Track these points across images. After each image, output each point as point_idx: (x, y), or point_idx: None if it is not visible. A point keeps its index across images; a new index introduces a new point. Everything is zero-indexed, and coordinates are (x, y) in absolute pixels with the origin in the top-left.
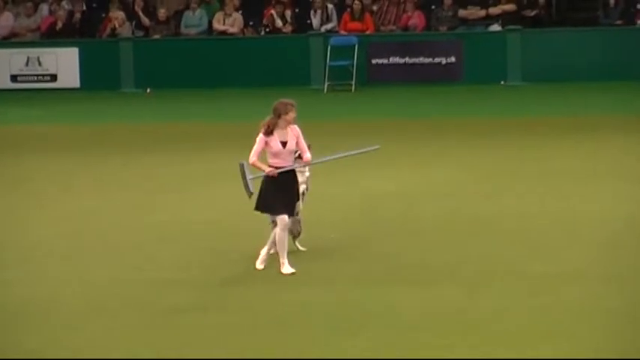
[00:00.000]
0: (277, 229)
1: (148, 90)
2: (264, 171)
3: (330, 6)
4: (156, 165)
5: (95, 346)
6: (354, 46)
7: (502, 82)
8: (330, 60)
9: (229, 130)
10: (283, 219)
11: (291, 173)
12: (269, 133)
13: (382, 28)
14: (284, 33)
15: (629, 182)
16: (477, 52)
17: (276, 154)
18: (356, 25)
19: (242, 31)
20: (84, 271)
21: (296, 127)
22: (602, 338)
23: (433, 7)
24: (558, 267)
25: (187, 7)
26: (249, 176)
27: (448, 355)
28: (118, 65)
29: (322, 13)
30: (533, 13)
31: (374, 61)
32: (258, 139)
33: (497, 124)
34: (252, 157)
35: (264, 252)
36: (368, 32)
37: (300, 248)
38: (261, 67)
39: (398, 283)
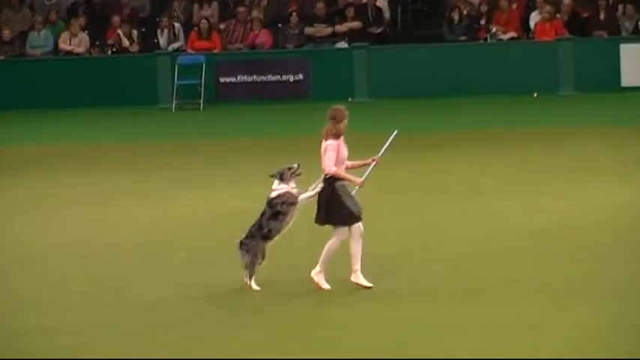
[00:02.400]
0: (334, 241)
1: None
2: (352, 180)
3: (177, 25)
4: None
5: None
6: (202, 64)
7: (349, 99)
8: (177, 79)
9: (76, 151)
10: (360, 226)
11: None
12: (339, 137)
13: (230, 46)
14: (131, 52)
15: (474, 197)
16: (324, 70)
17: (343, 161)
18: (203, 43)
19: (88, 50)
20: None
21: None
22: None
23: (280, 25)
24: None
25: (32, 28)
26: (352, 192)
27: None
28: None
29: (169, 32)
30: (379, 30)
31: (222, 80)
32: (331, 147)
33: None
34: (333, 166)
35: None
36: (215, 51)
37: (255, 287)
38: (109, 86)
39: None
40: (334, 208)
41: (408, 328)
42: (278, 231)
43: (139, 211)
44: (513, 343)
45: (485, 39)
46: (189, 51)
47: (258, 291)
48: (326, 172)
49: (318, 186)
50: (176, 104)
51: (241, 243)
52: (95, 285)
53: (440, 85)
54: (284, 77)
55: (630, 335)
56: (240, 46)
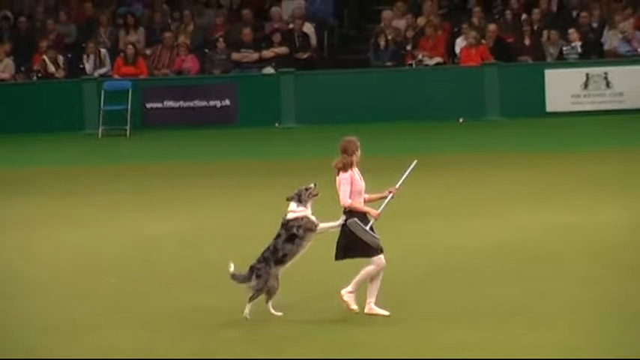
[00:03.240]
0: (373, 268)
1: None
2: (369, 212)
3: (103, 50)
4: None
5: None
6: (128, 90)
7: (277, 125)
8: (104, 105)
9: (1, 176)
10: (382, 259)
11: None
12: (350, 168)
13: (156, 72)
14: (56, 78)
15: (399, 220)
16: (252, 95)
17: (360, 192)
18: (130, 69)
19: (13, 76)
20: None
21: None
22: None
23: (206, 50)
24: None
25: None
26: (367, 227)
27: None
28: None
29: (95, 57)
30: (305, 56)
31: (149, 105)
32: (344, 180)
33: (271, 165)
34: (348, 199)
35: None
36: (142, 76)
37: (275, 313)
38: (34, 112)
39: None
40: (352, 243)
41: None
42: (293, 255)
43: (66, 236)
44: None
45: (411, 64)
46: (116, 77)
47: (279, 316)
48: (342, 205)
49: (341, 218)
50: (102, 130)
51: (252, 267)
52: (23, 310)
53: (367, 110)
54: (211, 103)
55: (558, 354)
56: (167, 71)
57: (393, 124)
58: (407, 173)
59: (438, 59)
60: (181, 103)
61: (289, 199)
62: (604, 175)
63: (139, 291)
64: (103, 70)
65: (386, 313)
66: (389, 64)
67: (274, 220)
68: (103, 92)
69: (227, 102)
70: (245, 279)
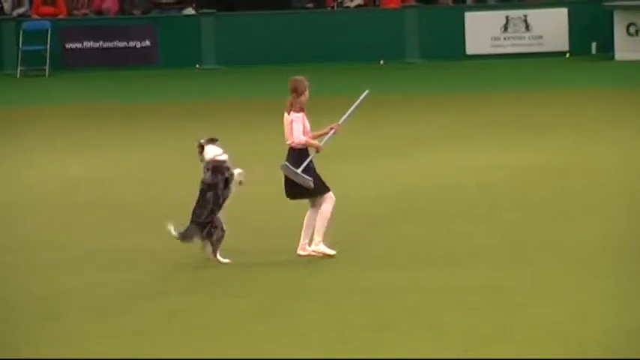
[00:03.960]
0: (327, 206)
1: None
2: (317, 146)
3: None
4: None
5: None
6: (47, 30)
7: (197, 66)
8: (22, 45)
9: None
10: (332, 195)
11: None
12: (303, 110)
13: (75, 12)
14: None
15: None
16: (172, 36)
17: (308, 132)
18: (48, 9)
19: None
20: None
21: None
22: None
23: None
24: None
25: None
26: (299, 171)
27: None
28: None
29: None
30: None
31: (68, 46)
32: (297, 119)
33: (191, 107)
34: (303, 136)
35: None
36: (61, 17)
37: (223, 260)
38: None
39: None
40: (296, 185)
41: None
42: (226, 199)
43: None
44: (362, 308)
45: (333, 6)
46: (34, 17)
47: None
48: (296, 142)
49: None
50: (21, 70)
51: (202, 224)
52: None
53: (287, 52)
54: (131, 44)
55: (466, 297)
56: (87, 12)
57: (314, 66)
58: (354, 107)
59: (358, 1)
60: (101, 44)
61: (210, 142)
62: (522, 118)
63: (59, 230)
64: (21, 10)
65: (332, 252)
66: (310, 5)
67: (191, 162)
68: (21, 32)
69: (147, 43)
70: (198, 236)
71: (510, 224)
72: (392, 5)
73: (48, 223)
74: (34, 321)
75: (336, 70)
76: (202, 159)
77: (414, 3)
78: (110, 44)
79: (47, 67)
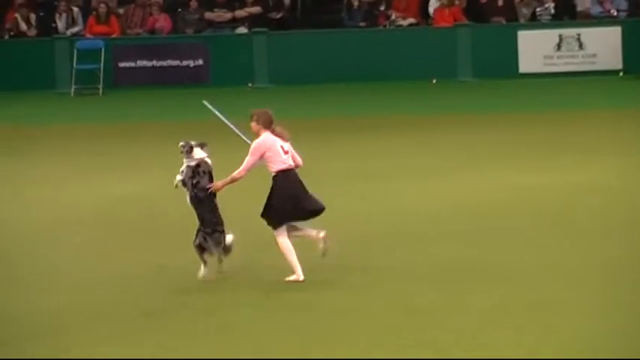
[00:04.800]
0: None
1: None
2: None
3: (75, 9)
4: None
5: None
6: (101, 49)
7: (249, 85)
8: (76, 64)
9: None
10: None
11: None
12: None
13: (129, 31)
14: (28, 36)
15: (370, 181)
16: (224, 55)
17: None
18: (102, 28)
19: None
20: None
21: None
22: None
23: (179, 9)
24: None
25: None
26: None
27: None
28: None
29: (67, 16)
30: (278, 16)
31: (121, 65)
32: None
33: (242, 126)
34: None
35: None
36: (114, 35)
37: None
38: (6, 70)
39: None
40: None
41: (297, 310)
42: None
43: (34, 194)
44: (403, 327)
45: (385, 25)
46: (88, 36)
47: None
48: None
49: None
50: (75, 89)
51: (220, 232)
52: None
53: (339, 71)
54: (183, 62)
55: (514, 317)
56: (139, 30)
57: (366, 85)
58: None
59: (411, 20)
60: (154, 63)
61: (200, 146)
62: (575, 137)
63: (104, 250)
64: (75, 29)
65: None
66: (362, 24)
67: (244, 180)
68: (75, 51)
69: (200, 61)
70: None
71: (558, 243)
72: (444, 24)
73: (93, 242)
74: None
75: (389, 89)
76: (189, 158)
77: (466, 21)
78: (163, 63)
79: (100, 86)
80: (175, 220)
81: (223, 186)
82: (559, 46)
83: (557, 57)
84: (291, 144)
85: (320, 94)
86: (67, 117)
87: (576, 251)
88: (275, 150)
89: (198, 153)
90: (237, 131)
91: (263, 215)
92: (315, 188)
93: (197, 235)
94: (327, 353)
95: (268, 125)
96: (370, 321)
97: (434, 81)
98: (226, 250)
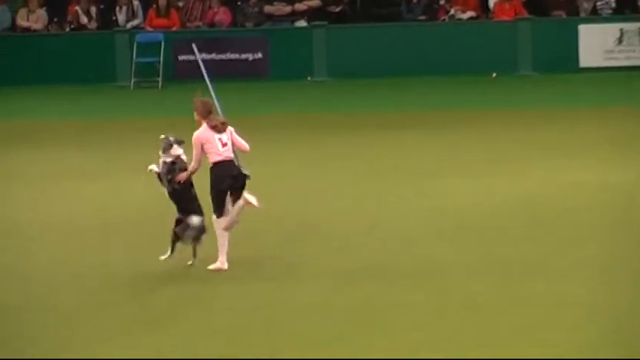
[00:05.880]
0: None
1: None
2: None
3: (135, 2)
4: None
5: None
6: (161, 42)
7: (308, 78)
8: (136, 57)
9: (32, 128)
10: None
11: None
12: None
13: (188, 24)
14: (89, 29)
15: (430, 178)
16: (283, 48)
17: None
18: (162, 21)
19: (46, 27)
20: None
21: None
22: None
23: (239, 3)
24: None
25: None
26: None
27: None
28: None
29: (128, 9)
30: (338, 9)
31: (181, 58)
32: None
33: (304, 119)
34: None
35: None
36: (174, 28)
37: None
38: (67, 64)
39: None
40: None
41: (360, 307)
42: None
43: (93, 190)
44: (466, 323)
45: (444, 19)
46: (148, 29)
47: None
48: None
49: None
50: (134, 82)
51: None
52: (49, 261)
53: (398, 64)
54: (242, 56)
55: (575, 314)
56: (199, 24)
57: (425, 79)
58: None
59: (471, 13)
60: (213, 56)
61: (178, 143)
62: (637, 133)
63: (163, 245)
64: (135, 22)
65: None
66: (421, 18)
67: (309, 174)
68: (135, 44)
69: (259, 55)
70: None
71: (618, 241)
72: (505, 17)
73: (148, 238)
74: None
75: (448, 83)
76: (166, 154)
77: (527, 15)
78: (222, 56)
79: (160, 79)
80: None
81: (187, 178)
82: (620, 40)
83: (618, 51)
84: (235, 130)
85: (378, 88)
86: (127, 110)
87: (637, 250)
88: (212, 142)
89: (176, 150)
90: (213, 95)
91: None
92: (373, 184)
93: (177, 223)
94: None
95: (205, 115)
96: (432, 317)
97: (494, 75)
98: (201, 231)
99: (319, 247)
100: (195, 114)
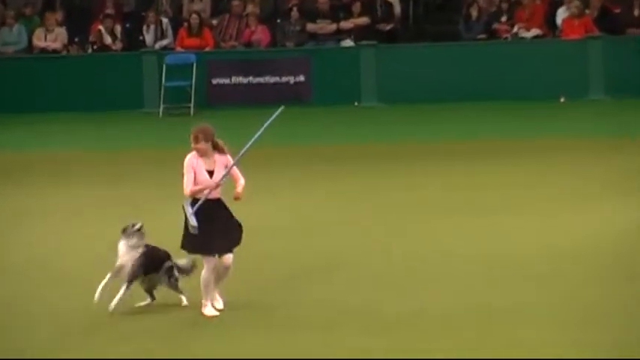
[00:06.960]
0: (203, 272)
1: None
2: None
3: (164, 20)
4: None
5: None
6: (192, 64)
7: (356, 103)
8: (165, 80)
9: (51, 159)
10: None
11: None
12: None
13: (223, 44)
14: (113, 50)
15: (489, 215)
16: (328, 70)
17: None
18: (194, 41)
19: (66, 47)
20: None
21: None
22: None
23: (279, 20)
24: (412, 305)
25: (4, 23)
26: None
27: None
28: None
29: (156, 28)
30: (388, 27)
31: (214, 81)
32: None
33: (352, 149)
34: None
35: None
36: (207, 49)
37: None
38: (89, 88)
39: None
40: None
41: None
42: None
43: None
44: None
45: (506, 37)
46: (179, 49)
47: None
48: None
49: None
50: (164, 108)
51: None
52: (74, 302)
53: (456, 88)
54: (283, 79)
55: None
56: (235, 43)
57: (485, 104)
58: (270, 122)
59: (536, 31)
60: (250, 79)
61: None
62: None
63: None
64: (164, 42)
65: (215, 313)
66: (481, 36)
67: (358, 210)
68: (164, 66)
69: (301, 78)
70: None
71: None
72: (574, 36)
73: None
74: None
75: (510, 109)
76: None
77: (598, 33)
78: (260, 79)
79: (192, 105)
80: (279, 254)
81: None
82: None
83: None
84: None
85: (433, 114)
86: (156, 140)
87: None
88: (200, 173)
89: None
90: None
91: None
92: (424, 222)
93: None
94: None
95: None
96: None
97: (562, 100)
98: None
99: (373, 287)
100: (202, 144)
